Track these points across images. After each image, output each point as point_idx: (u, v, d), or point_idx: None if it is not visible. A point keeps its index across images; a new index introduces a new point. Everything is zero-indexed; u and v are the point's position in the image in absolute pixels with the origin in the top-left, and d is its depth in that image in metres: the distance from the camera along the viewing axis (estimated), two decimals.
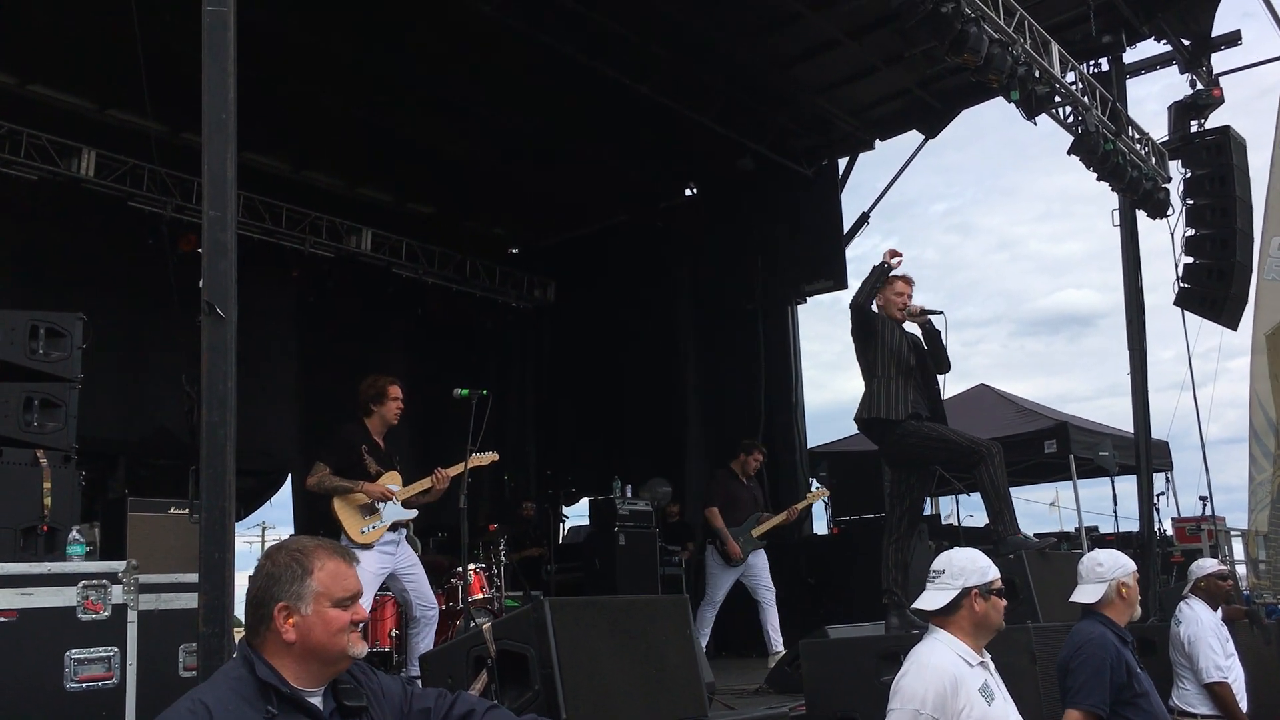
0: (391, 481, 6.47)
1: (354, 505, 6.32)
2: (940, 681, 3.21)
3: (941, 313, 6.11)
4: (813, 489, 8.98)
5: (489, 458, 6.83)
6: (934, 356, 6.13)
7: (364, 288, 12.84)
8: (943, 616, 3.41)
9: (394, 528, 6.41)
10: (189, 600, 4.31)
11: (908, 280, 6.14)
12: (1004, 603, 3.43)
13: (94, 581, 4.47)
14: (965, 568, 3.42)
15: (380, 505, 6.35)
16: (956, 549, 3.57)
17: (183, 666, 4.63)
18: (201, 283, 3.45)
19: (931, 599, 3.43)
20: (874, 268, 6.00)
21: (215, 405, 3.37)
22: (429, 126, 11.71)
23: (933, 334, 6.12)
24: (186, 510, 6.43)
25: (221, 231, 3.49)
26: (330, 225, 12.33)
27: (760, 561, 8.93)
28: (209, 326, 3.42)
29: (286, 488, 12.33)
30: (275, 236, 11.78)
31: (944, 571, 3.45)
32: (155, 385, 10.45)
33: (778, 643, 8.66)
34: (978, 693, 3.24)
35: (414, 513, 6.55)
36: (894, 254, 5.95)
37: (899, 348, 6.04)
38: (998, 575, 3.45)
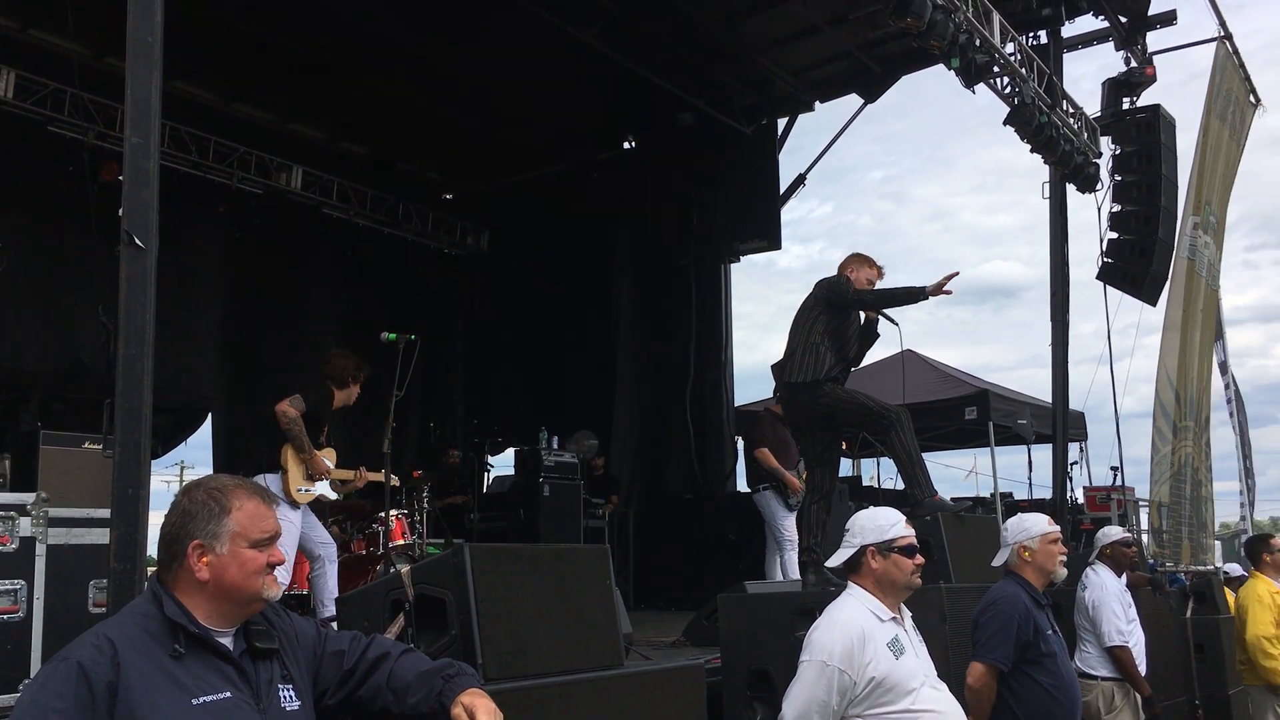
0: (329, 458, 6.71)
1: (301, 464, 6.53)
2: (848, 635, 3.32)
3: (897, 325, 6.15)
4: None
5: (385, 478, 6.92)
6: (859, 348, 6.20)
7: (293, 227, 12.59)
8: (852, 574, 3.54)
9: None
10: (101, 536, 4.21)
11: (880, 270, 6.19)
12: (912, 561, 3.47)
13: (1, 513, 4.36)
14: (865, 526, 3.54)
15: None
16: (868, 509, 3.66)
17: (92, 602, 4.54)
18: (121, 211, 3.33)
19: (836, 556, 3.58)
20: (916, 289, 5.79)
21: (133, 338, 3.27)
22: (364, 63, 11.43)
23: (872, 336, 6.18)
24: (101, 445, 6.33)
25: (144, 159, 3.37)
26: (260, 161, 12.06)
27: None
28: (128, 257, 3.31)
29: (206, 427, 12.12)
30: (202, 170, 11.50)
31: (849, 530, 3.58)
32: (72, 316, 10.12)
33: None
34: (885, 647, 3.34)
35: (336, 496, 6.87)
36: (948, 282, 5.69)
37: (850, 332, 6.07)
38: (903, 534, 3.50)
